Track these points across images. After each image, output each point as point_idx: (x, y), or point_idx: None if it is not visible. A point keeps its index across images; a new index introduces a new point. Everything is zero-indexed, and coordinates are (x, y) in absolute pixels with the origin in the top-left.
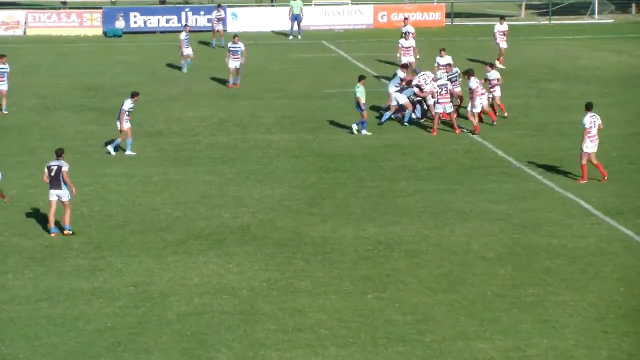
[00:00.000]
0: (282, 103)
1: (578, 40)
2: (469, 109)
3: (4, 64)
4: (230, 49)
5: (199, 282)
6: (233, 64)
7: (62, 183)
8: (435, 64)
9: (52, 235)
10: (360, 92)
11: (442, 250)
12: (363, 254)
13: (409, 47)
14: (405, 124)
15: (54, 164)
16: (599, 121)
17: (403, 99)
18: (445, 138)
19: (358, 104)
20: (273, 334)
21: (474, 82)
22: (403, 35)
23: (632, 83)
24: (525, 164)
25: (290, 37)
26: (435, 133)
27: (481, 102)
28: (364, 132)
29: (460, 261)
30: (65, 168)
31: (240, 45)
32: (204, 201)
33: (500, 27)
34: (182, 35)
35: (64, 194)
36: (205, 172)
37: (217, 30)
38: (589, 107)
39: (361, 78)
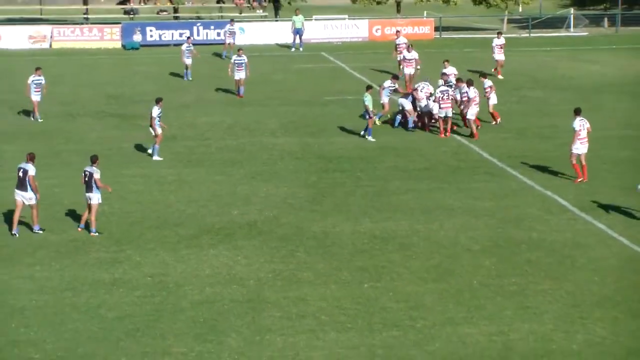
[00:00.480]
0: (286, 110)
1: (556, 51)
2: (468, 116)
3: (40, 75)
4: (235, 61)
5: (210, 273)
6: (238, 75)
7: (94, 188)
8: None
9: (79, 230)
10: (368, 100)
11: (432, 244)
12: (360, 247)
13: (411, 59)
14: (410, 128)
15: (87, 170)
16: (587, 124)
17: (408, 105)
18: (434, 141)
19: (366, 112)
20: (278, 320)
21: (472, 92)
22: (405, 47)
23: (605, 90)
24: (508, 165)
25: (293, 49)
26: (443, 135)
27: (477, 109)
28: (369, 138)
29: (448, 253)
30: (96, 175)
31: (244, 58)
32: (215, 199)
33: (498, 41)
34: (184, 47)
35: (93, 197)
36: (215, 173)
37: (229, 43)
38: (577, 112)
39: (368, 88)
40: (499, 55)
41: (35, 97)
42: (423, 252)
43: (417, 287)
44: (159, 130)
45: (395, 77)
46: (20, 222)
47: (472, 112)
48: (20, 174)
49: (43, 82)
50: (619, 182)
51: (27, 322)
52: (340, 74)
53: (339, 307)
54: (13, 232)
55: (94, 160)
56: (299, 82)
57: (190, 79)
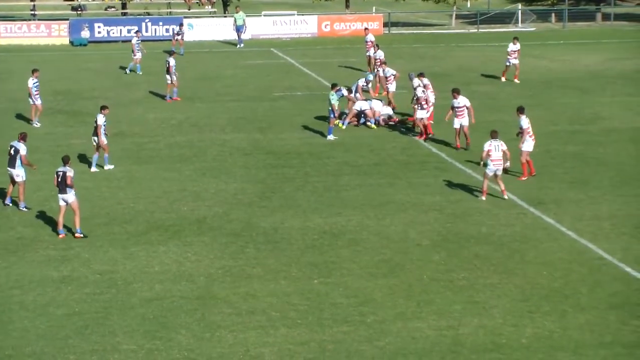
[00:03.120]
0: (235, 105)
1: (504, 46)
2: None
3: (37, 78)
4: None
5: (160, 270)
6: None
7: (67, 187)
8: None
9: (61, 236)
10: (335, 99)
11: (382, 239)
12: (310, 242)
13: (377, 59)
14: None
15: (60, 170)
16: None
17: (366, 107)
18: (383, 137)
19: (332, 110)
20: (228, 316)
21: (466, 101)
22: (372, 45)
23: (552, 85)
24: (456, 160)
25: (238, 46)
26: (424, 137)
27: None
28: (330, 137)
29: (398, 248)
30: (69, 173)
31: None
32: (164, 196)
33: (514, 46)
34: (134, 40)
35: (69, 197)
36: (165, 169)
37: (177, 40)
38: (522, 111)
39: (334, 86)
40: (515, 60)
41: (38, 100)
42: (373, 247)
43: (367, 282)
44: (105, 140)
45: (367, 81)
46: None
47: (422, 114)
48: (12, 151)
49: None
50: (567, 177)
51: None
52: (289, 69)
53: (288, 302)
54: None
55: (66, 160)
56: (249, 78)
57: (140, 73)
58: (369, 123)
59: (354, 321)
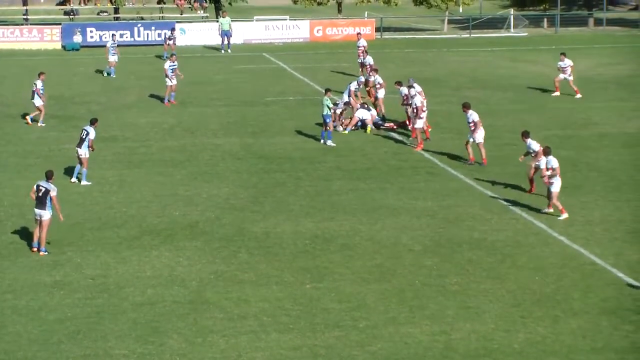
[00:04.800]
0: (227, 110)
1: (496, 51)
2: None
3: (42, 80)
4: (171, 67)
5: (152, 275)
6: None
7: (48, 204)
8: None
9: (34, 250)
10: (330, 104)
11: (374, 244)
12: (302, 247)
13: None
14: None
15: (43, 185)
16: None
17: (366, 115)
18: (375, 141)
19: (327, 115)
20: (220, 321)
21: (475, 115)
22: (363, 50)
23: (544, 90)
24: (449, 165)
25: (222, 51)
26: (421, 147)
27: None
28: (329, 142)
29: (390, 253)
30: (53, 193)
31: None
32: (156, 200)
33: (562, 63)
34: (109, 44)
35: (44, 214)
36: (156, 174)
37: (169, 45)
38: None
39: (327, 91)
40: (568, 77)
41: (38, 101)
42: (365, 252)
43: (359, 287)
44: (87, 155)
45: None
46: None
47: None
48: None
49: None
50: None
51: None
52: (281, 74)
53: (280, 307)
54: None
55: (49, 176)
56: (241, 82)
57: (114, 76)
58: (369, 127)
59: (346, 326)
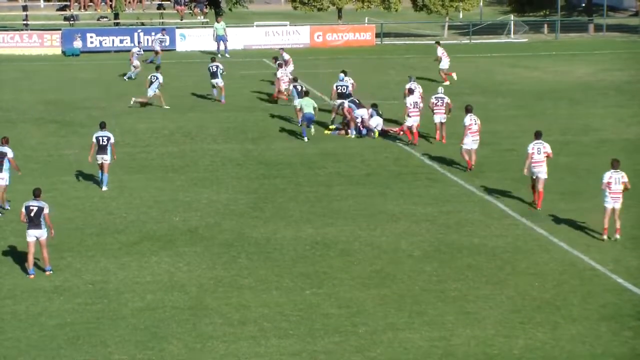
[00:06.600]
0: (227, 115)
1: (496, 57)
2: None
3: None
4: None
5: (152, 280)
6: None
7: (43, 223)
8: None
9: (31, 277)
10: (314, 104)
11: (373, 249)
12: (301, 253)
13: None
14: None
15: (34, 204)
16: (478, 121)
17: (366, 115)
18: (375, 147)
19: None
20: (220, 327)
21: (467, 119)
22: None
23: (544, 96)
24: (448, 171)
25: (219, 56)
26: (438, 139)
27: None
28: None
29: (390, 259)
30: (46, 210)
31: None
32: (156, 206)
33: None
34: (135, 49)
35: (42, 233)
36: (156, 179)
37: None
38: (469, 109)
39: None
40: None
41: None
42: (365, 258)
43: (359, 292)
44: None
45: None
46: None
47: (410, 122)
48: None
49: None
50: (559, 188)
51: None
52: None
53: (280, 313)
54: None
55: (37, 194)
56: (241, 88)
57: (134, 78)
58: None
59: (346, 332)
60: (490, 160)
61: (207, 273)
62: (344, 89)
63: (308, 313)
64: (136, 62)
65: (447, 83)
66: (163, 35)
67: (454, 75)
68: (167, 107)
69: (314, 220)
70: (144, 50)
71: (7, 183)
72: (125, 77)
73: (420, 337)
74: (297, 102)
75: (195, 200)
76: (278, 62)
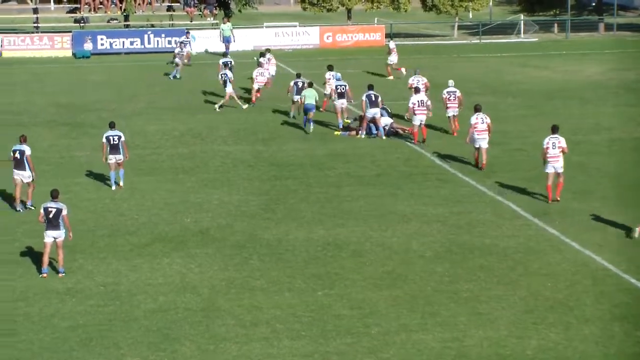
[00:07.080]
0: (237, 116)
1: (506, 57)
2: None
3: None
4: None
5: (164, 282)
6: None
7: (61, 225)
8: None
9: (44, 275)
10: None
11: (385, 250)
12: (313, 254)
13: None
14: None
15: (52, 206)
16: (487, 120)
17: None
18: (385, 147)
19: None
20: (232, 328)
21: (474, 118)
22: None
23: (554, 96)
24: (459, 171)
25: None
26: (455, 134)
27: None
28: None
29: (401, 260)
30: (65, 212)
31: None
32: (167, 207)
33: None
34: (177, 50)
35: (60, 234)
36: (167, 181)
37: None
38: (477, 109)
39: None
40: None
41: None
42: (376, 259)
43: (371, 293)
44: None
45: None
46: None
47: (417, 120)
48: (17, 155)
49: None
50: (570, 187)
51: None
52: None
53: (293, 314)
54: (18, 209)
55: (55, 195)
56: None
57: (179, 77)
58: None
59: (358, 333)
60: (501, 160)
61: (219, 274)
62: (342, 88)
63: (320, 314)
64: (178, 61)
65: (391, 78)
66: (187, 38)
67: (403, 70)
68: (244, 107)
69: (325, 221)
70: (162, 52)
71: (30, 180)
72: (170, 77)
73: (433, 338)
74: (297, 97)
75: (207, 202)
76: (258, 60)
